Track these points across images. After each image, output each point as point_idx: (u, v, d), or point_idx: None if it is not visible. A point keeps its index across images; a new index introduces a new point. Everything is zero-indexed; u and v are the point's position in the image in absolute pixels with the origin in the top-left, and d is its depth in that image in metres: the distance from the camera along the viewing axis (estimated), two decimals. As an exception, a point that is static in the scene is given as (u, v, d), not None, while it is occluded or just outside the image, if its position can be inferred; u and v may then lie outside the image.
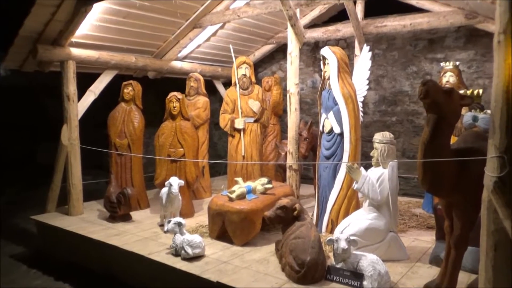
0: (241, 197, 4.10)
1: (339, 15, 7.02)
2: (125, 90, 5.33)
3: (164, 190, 4.45)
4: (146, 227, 4.59)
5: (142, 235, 4.28)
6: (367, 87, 6.27)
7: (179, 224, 3.68)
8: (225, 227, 4.00)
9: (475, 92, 4.09)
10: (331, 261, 3.35)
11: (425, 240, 4.15)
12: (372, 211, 3.59)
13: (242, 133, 5.15)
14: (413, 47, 6.66)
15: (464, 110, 4.14)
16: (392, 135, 3.60)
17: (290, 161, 4.94)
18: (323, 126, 4.32)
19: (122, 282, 3.93)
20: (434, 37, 6.45)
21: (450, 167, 2.44)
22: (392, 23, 6.03)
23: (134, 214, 4.99)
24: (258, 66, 8.16)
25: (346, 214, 4.11)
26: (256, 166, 5.21)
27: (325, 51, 4.16)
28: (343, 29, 6.50)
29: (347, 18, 5.74)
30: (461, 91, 4.93)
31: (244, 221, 3.87)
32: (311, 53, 7.76)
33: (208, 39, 6.46)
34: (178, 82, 7.61)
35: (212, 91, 7.70)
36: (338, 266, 3.11)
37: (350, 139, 4.04)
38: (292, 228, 3.44)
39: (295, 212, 3.48)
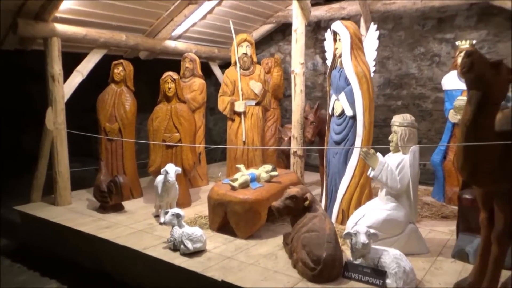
0: (244, 185, 3.76)
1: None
2: (115, 70, 4.91)
3: (160, 179, 4.08)
4: (140, 218, 4.23)
5: (136, 228, 3.92)
6: (374, 68, 5.98)
7: (178, 216, 3.33)
8: (227, 219, 3.67)
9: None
10: (345, 256, 3.04)
11: (442, 231, 3.87)
12: (390, 201, 3.28)
13: (242, 116, 4.78)
14: (421, 26, 6.30)
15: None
16: (413, 118, 3.27)
17: (295, 146, 4.61)
18: (333, 108, 3.97)
19: (114, 279, 3.60)
20: (444, 16, 6.09)
21: (494, 152, 2.12)
22: (402, 0, 5.66)
23: (126, 204, 4.62)
24: (256, 47, 7.67)
25: (359, 203, 3.81)
26: (257, 152, 4.87)
27: (337, 25, 3.79)
28: (348, 7, 6.13)
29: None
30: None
31: (248, 212, 3.54)
32: (312, 33, 7.37)
33: (204, 17, 6.02)
34: (171, 64, 7.16)
35: (207, 74, 7.29)
36: (357, 262, 2.80)
37: (363, 122, 3.71)
38: (303, 220, 3.12)
39: (306, 202, 3.16)
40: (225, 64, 7.64)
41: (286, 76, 7.04)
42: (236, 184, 3.72)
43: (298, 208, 3.19)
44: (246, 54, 4.75)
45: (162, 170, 3.94)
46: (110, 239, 3.58)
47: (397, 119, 3.27)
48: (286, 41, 7.68)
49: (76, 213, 4.43)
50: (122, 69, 4.91)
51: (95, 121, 5.06)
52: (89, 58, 5.05)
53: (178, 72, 5.63)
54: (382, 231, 3.19)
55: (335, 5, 6.23)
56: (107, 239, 3.58)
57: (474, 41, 4.66)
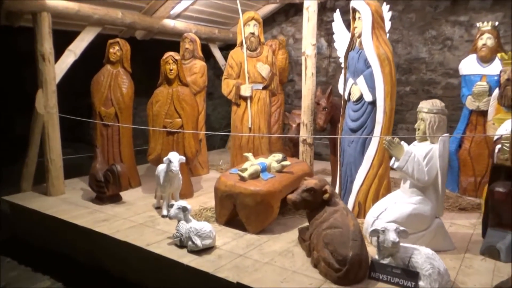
0: (255, 176, 3.48)
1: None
2: (111, 50, 4.53)
3: (162, 168, 3.78)
4: (140, 210, 3.93)
5: (136, 221, 3.63)
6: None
7: (184, 210, 3.04)
8: (236, 212, 3.39)
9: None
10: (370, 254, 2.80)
11: (463, 224, 3.65)
12: (416, 194, 3.02)
13: (249, 101, 4.46)
14: (433, 8, 5.99)
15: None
16: (443, 104, 3.00)
17: (305, 133, 4.32)
18: (350, 93, 3.68)
19: (113, 276, 3.31)
20: (458, -3, 5.79)
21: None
22: (417, -22, 5.33)
23: (124, 194, 4.31)
24: (258, 29, 7.36)
25: (376, 196, 3.56)
26: (264, 139, 4.57)
27: (357, 2, 3.47)
28: (359, -14, 5.77)
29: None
30: (499, 54, 4.37)
31: (260, 205, 3.26)
32: (318, 15, 6.94)
33: (205, -6, 5.64)
34: (169, 45, 6.78)
35: (206, 56, 6.92)
36: (385, 262, 2.56)
37: (384, 108, 3.42)
38: (323, 214, 2.85)
39: (325, 196, 2.89)
40: (225, 46, 7.27)
41: (289, 59, 6.71)
42: (245, 174, 3.44)
43: (316, 201, 2.93)
44: (253, 33, 4.40)
45: (164, 159, 3.64)
46: (108, 233, 3.29)
47: (425, 105, 3.00)
48: (289, 22, 7.32)
49: (70, 204, 4.12)
50: (118, 49, 4.54)
51: (88, 105, 4.71)
52: (82, 37, 4.66)
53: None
54: (407, 226, 2.91)
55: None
56: (105, 234, 3.29)
57: (497, 23, 4.37)
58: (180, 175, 3.74)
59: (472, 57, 4.52)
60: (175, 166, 3.55)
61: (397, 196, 3.16)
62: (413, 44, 6.20)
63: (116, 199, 4.19)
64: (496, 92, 3.84)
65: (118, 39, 4.56)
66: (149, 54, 6.30)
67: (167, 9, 5.42)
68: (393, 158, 3.07)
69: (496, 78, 4.34)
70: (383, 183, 3.57)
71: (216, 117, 8.29)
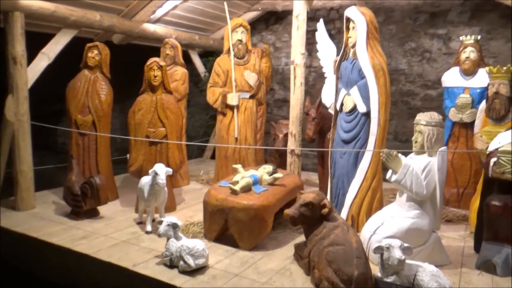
0: (246, 189, 3.33)
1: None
2: (90, 54, 4.26)
3: (146, 180, 3.55)
4: (121, 226, 3.68)
5: (118, 237, 3.38)
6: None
7: (174, 226, 2.84)
8: (228, 227, 3.22)
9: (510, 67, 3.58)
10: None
11: (452, 237, 3.65)
12: (413, 208, 2.98)
13: (235, 110, 4.32)
14: (413, 21, 6.10)
15: (504, 90, 3.63)
16: (440, 116, 2.98)
17: (293, 144, 4.22)
18: (342, 104, 3.62)
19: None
20: (437, 11, 5.92)
21: None
22: (401, -9, 5.41)
23: (101, 208, 4.02)
24: (237, 36, 7.24)
25: (370, 209, 3.49)
26: (251, 150, 4.43)
27: (352, 11, 3.42)
28: (344, -5, 5.80)
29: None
30: (482, 69, 4.46)
31: (253, 220, 3.11)
32: (298, 24, 6.96)
33: (186, -1, 5.46)
34: (147, 50, 6.55)
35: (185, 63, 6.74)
36: (389, 280, 2.47)
37: (378, 120, 3.38)
38: (322, 230, 2.74)
39: (324, 210, 2.79)
40: (205, 53, 7.11)
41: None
42: (237, 187, 3.28)
43: (314, 216, 2.82)
44: (241, 41, 4.27)
45: (150, 171, 3.42)
46: (89, 253, 3.03)
47: (423, 117, 2.97)
48: (269, 30, 7.26)
49: (42, 219, 3.80)
50: (97, 53, 4.28)
51: (58, 111, 4.40)
52: (57, 39, 4.37)
53: None
54: (405, 241, 2.86)
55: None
56: (85, 254, 3.02)
57: (479, 37, 4.46)
58: (166, 188, 3.53)
59: (455, 70, 4.59)
60: (162, 179, 3.34)
61: (393, 210, 3.11)
62: (393, 56, 6.28)
63: (93, 213, 3.91)
64: (483, 105, 3.90)
65: (97, 43, 4.30)
66: (126, 60, 6.04)
67: (148, 13, 5.20)
68: (390, 171, 3.02)
69: (478, 90, 4.43)
70: (376, 196, 3.52)
71: (193, 125, 8.05)
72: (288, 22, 7.12)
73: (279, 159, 4.73)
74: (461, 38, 4.59)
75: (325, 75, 5.98)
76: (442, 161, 2.89)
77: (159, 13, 5.39)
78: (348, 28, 3.52)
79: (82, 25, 4.53)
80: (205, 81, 6.96)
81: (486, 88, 4.37)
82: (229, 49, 4.30)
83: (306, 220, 2.84)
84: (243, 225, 3.12)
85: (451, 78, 4.61)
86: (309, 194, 2.88)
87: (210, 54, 6.98)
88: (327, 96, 4.44)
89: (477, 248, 3.29)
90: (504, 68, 3.60)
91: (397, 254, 2.40)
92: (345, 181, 3.61)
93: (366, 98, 3.40)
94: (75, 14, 4.35)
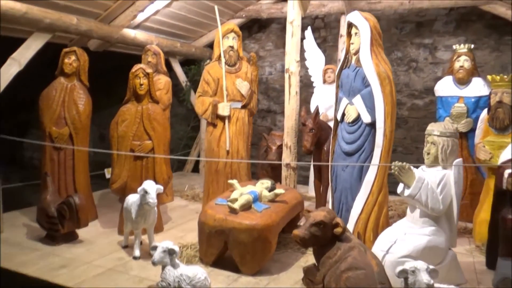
0: (246, 207, 3.05)
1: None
2: (66, 60, 3.89)
3: (133, 200, 3.21)
4: (104, 251, 3.30)
5: (103, 265, 3.01)
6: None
7: (171, 252, 2.51)
8: (227, 250, 2.93)
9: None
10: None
11: (459, 251, 3.45)
12: (428, 224, 2.79)
13: (226, 121, 4.04)
14: (399, 30, 6.06)
15: (507, 99, 3.55)
16: (454, 126, 2.83)
17: (288, 156, 3.98)
18: (343, 114, 3.42)
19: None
20: (423, 20, 5.91)
21: None
22: (388, 0, 5.34)
23: (80, 231, 3.62)
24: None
25: (377, 225, 3.28)
26: (242, 163, 4.15)
27: (355, 17, 3.24)
28: (329, 4, 5.68)
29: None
30: (476, 77, 4.41)
31: (257, 241, 2.84)
32: (282, 32, 6.80)
33: (169, 4, 5.17)
34: (125, 57, 6.21)
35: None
36: (416, 306, 2.25)
37: (384, 130, 3.19)
38: (336, 252, 2.51)
39: (338, 230, 2.55)
40: (185, 61, 6.81)
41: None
42: (236, 205, 3.00)
43: (326, 236, 2.58)
44: (232, 47, 4.01)
45: (139, 189, 3.08)
46: (72, 285, 2.64)
47: (436, 127, 2.81)
48: (252, 39, 7.07)
49: (12, 245, 3.36)
50: (75, 59, 3.92)
51: (25, 122, 3.99)
52: (28, 44, 3.96)
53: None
54: (424, 261, 2.70)
55: (315, 2, 5.73)
56: (67, 287, 2.64)
57: (472, 46, 4.41)
58: (155, 208, 3.19)
59: (449, 79, 4.52)
60: (153, 198, 3.01)
61: (405, 227, 2.91)
62: (379, 65, 6.20)
63: (71, 237, 3.51)
64: (483, 114, 3.81)
65: (75, 48, 3.93)
66: (102, 68, 5.66)
67: (128, 18, 4.87)
68: (401, 185, 2.84)
69: (473, 100, 4.37)
70: (383, 211, 3.32)
71: (173, 137, 7.68)
72: (271, 30, 6.96)
73: (271, 173, 4.46)
74: (454, 47, 4.53)
75: (314, 84, 5.84)
76: (458, 174, 2.73)
77: (139, 18, 5.06)
78: (349, 34, 3.34)
79: (58, 29, 4.14)
80: (186, 90, 6.66)
81: (479, 98, 4.36)
82: (219, 56, 4.03)
83: (317, 241, 2.59)
84: (245, 247, 2.84)
85: (445, 87, 4.53)
86: (319, 212, 2.64)
87: (191, 63, 6.70)
88: (318, 105, 4.26)
89: (489, 264, 3.15)
90: (506, 76, 3.53)
91: (425, 278, 2.19)
92: (348, 196, 3.39)
93: (370, 108, 3.21)
94: (50, 17, 3.97)
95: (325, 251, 2.58)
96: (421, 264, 2.25)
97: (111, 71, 6.07)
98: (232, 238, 2.86)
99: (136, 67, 3.64)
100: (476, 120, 4.32)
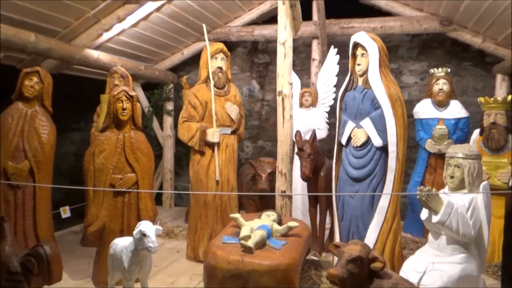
0: (260, 244, 2.69)
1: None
2: (27, 82, 3.30)
3: (124, 244, 2.69)
4: (85, 309, 2.71)
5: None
6: (334, 95, 5.56)
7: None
8: (245, 297, 2.52)
9: (508, 97, 3.62)
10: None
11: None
12: (458, 252, 2.65)
13: (216, 148, 3.68)
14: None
15: (501, 120, 3.63)
16: (476, 148, 2.76)
17: (283, 184, 3.70)
18: (350, 137, 3.24)
19: None
20: (389, 46, 5.99)
21: None
22: (361, 25, 5.42)
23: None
24: (181, 68, 6.63)
25: (392, 253, 3.11)
26: (233, 194, 3.79)
27: (362, 37, 3.13)
28: (302, 28, 5.60)
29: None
30: (454, 100, 4.54)
31: (281, 284, 2.47)
32: (248, 56, 6.65)
33: (136, 24, 4.75)
34: (84, 81, 5.61)
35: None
36: None
37: (396, 154, 3.06)
38: (379, 291, 2.24)
39: (377, 265, 2.29)
40: (146, 85, 6.32)
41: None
42: (250, 243, 2.62)
43: (363, 274, 2.31)
44: (221, 68, 3.71)
45: (135, 232, 2.58)
46: None
47: (460, 150, 2.71)
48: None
49: (-40, 314, 2.63)
50: (37, 81, 3.34)
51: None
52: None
53: (101, 92, 4.26)
54: (458, 291, 2.54)
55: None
56: None
57: (449, 70, 4.55)
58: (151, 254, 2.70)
59: (427, 102, 4.61)
60: (153, 242, 2.54)
61: (430, 255, 2.74)
62: (348, 89, 6.25)
63: (38, 295, 2.85)
64: (475, 135, 3.87)
65: (38, 68, 3.36)
66: (57, 92, 5.03)
67: (91, 37, 4.37)
68: (426, 211, 2.69)
69: (453, 121, 4.48)
70: (398, 239, 3.15)
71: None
72: (237, 54, 6.75)
73: (259, 203, 4.13)
74: (431, 71, 4.65)
75: (299, 107, 5.66)
76: (487, 197, 2.63)
77: (105, 37, 4.57)
78: (354, 55, 3.22)
79: (13, 46, 3.54)
80: (148, 116, 6.15)
81: (458, 120, 4.48)
82: (206, 78, 3.70)
83: (355, 280, 2.31)
84: (269, 292, 2.46)
85: (425, 109, 4.60)
86: (353, 247, 2.36)
87: (153, 87, 6.23)
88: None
89: (506, 286, 3.08)
90: (499, 98, 3.62)
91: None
92: (360, 224, 3.18)
93: (381, 130, 3.07)
94: (5, 32, 3.38)
95: (363, 290, 2.31)
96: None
97: (68, 96, 5.46)
98: (253, 282, 2.47)
99: (117, 89, 3.17)
100: (456, 142, 4.42)
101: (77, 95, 5.98)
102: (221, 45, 3.79)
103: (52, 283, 2.81)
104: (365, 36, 3.12)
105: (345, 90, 3.31)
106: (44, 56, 4.07)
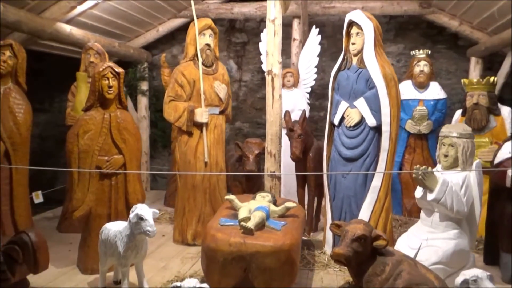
0: (260, 225, 2.65)
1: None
2: (0, 57, 3.02)
3: (117, 228, 2.57)
4: (77, 298, 2.58)
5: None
6: (315, 76, 5.55)
7: (197, 292, 2.00)
8: (248, 279, 2.49)
9: (491, 79, 3.74)
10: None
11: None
12: (451, 228, 2.74)
13: (204, 129, 3.57)
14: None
15: (484, 101, 3.74)
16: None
17: (273, 165, 3.67)
18: (343, 117, 3.24)
19: None
20: (366, 28, 6.11)
21: None
22: (342, 5, 5.41)
23: (31, 277, 2.79)
24: (154, 47, 6.37)
25: (384, 231, 3.16)
26: (221, 175, 3.71)
27: (358, 16, 3.09)
28: (283, 7, 5.51)
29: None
30: (433, 82, 4.64)
31: (285, 265, 2.45)
32: (225, 35, 6.48)
33: (112, -3, 4.47)
34: (44, 58, 5.25)
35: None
36: (481, 318, 2.12)
37: (390, 134, 3.09)
38: (384, 268, 2.29)
39: (381, 243, 2.34)
40: (122, 64, 6.00)
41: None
42: (250, 224, 2.57)
43: (366, 252, 2.35)
44: (209, 45, 3.55)
45: (131, 216, 2.46)
46: None
47: (454, 129, 2.77)
48: (192, 41, 6.55)
49: None
50: (10, 55, 3.06)
51: None
52: None
53: (69, 70, 4.02)
54: (452, 265, 2.66)
55: (265, 5, 5.51)
56: None
57: (429, 52, 4.64)
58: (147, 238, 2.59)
59: (408, 83, 4.69)
60: (152, 226, 2.42)
61: (423, 231, 2.82)
62: (326, 70, 6.25)
63: (22, 285, 2.68)
64: (457, 116, 3.99)
65: (11, 41, 3.08)
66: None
67: (63, 10, 4.05)
68: (420, 190, 2.75)
69: (432, 102, 4.59)
70: (389, 217, 3.21)
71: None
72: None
73: (246, 184, 4.08)
74: (412, 52, 4.72)
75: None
76: (479, 175, 2.72)
77: (78, 10, 4.26)
78: (348, 34, 3.19)
79: (-21, 17, 3.21)
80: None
81: (437, 101, 4.60)
82: (194, 55, 3.54)
83: (359, 258, 2.34)
84: (272, 273, 2.43)
85: (405, 91, 4.67)
86: (356, 225, 2.39)
87: (127, 65, 5.94)
88: (304, 110, 4.05)
89: (488, 260, 3.25)
90: (482, 80, 3.73)
91: (489, 285, 2.08)
92: (352, 204, 3.22)
93: (375, 110, 3.09)
94: (-30, 1, 3.05)
95: (366, 267, 2.35)
96: (481, 273, 2.14)
97: (36, 73, 5.09)
98: (255, 264, 2.43)
99: (102, 65, 2.97)
100: (435, 122, 4.56)
101: (39, 73, 5.60)
102: (209, 21, 3.63)
103: (39, 271, 2.66)
104: (361, 15, 3.09)
105: (338, 70, 3.29)
106: (12, 29, 3.74)
